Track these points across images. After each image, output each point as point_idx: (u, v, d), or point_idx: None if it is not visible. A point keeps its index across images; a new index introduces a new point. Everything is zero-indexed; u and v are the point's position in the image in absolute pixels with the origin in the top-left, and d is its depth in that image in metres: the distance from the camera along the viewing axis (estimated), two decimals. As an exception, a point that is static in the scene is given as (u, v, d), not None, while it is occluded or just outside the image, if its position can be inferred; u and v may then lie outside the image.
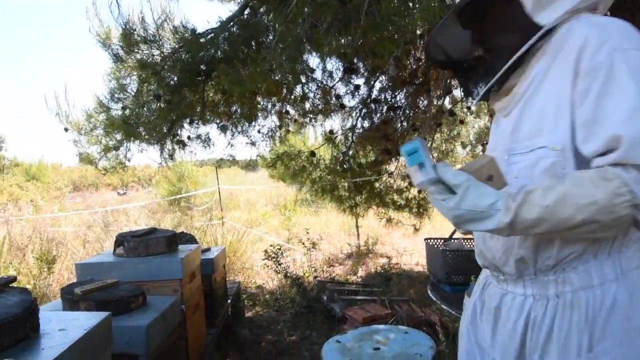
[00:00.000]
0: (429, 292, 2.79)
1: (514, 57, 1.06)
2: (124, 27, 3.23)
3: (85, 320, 1.46)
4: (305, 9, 2.53)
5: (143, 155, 9.79)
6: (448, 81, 4.39)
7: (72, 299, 1.99)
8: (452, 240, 2.89)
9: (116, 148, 3.65)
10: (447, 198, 0.96)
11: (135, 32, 3.46)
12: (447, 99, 4.81)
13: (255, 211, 10.24)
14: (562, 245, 1.04)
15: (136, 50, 3.53)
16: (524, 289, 1.12)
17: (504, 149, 1.12)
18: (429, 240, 3.00)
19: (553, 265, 1.06)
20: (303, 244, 5.64)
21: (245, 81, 2.75)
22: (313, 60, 4.18)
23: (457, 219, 0.97)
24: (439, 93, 4.63)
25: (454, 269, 2.69)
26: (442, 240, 2.94)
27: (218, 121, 4.27)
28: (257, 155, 5.12)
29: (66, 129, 3.55)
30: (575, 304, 1.03)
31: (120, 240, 2.62)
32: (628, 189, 0.88)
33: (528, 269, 1.09)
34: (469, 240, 2.94)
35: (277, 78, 3.14)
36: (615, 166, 0.92)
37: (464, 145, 7.48)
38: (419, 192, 4.99)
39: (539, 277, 1.08)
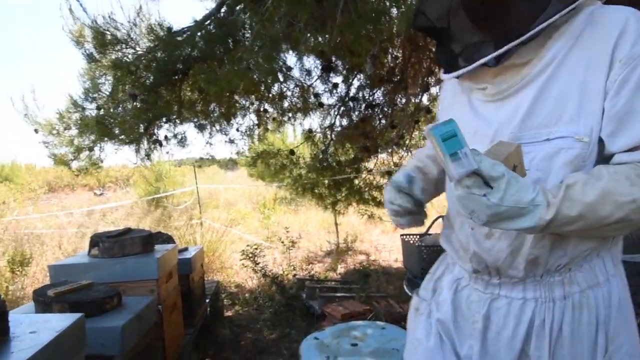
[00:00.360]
0: (405, 287, 2.82)
1: (544, 24, 0.90)
2: (94, 26, 3.18)
3: (57, 322, 1.44)
4: (282, 8, 2.54)
5: (119, 156, 9.66)
6: (425, 79, 4.44)
7: (44, 302, 1.96)
8: (428, 236, 2.92)
9: (90, 149, 3.59)
10: (488, 192, 0.83)
11: (108, 32, 3.42)
12: (425, 97, 4.86)
13: (235, 210, 10.19)
14: (577, 244, 0.98)
15: (110, 50, 3.49)
16: (523, 292, 1.03)
17: (509, 137, 0.97)
18: (404, 237, 3.03)
19: (563, 265, 0.99)
20: (282, 242, 5.64)
21: (221, 80, 2.74)
22: (291, 58, 4.19)
23: (495, 217, 0.84)
24: (416, 91, 4.68)
25: (430, 264, 2.71)
26: (418, 236, 2.97)
27: (195, 120, 4.24)
28: (237, 153, 5.10)
29: (36, 130, 3.49)
30: (585, 305, 0.99)
31: (95, 241, 2.59)
32: None
33: (538, 270, 1.00)
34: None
35: (255, 77, 3.14)
36: None
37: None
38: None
39: (544, 279, 1.00)
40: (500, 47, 0.93)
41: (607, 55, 0.90)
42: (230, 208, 10.50)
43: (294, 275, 5.18)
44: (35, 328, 1.39)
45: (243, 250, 4.95)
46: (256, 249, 4.91)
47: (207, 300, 3.80)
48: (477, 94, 1.07)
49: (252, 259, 4.76)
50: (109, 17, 3.41)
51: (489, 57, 0.95)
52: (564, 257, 0.98)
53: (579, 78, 0.92)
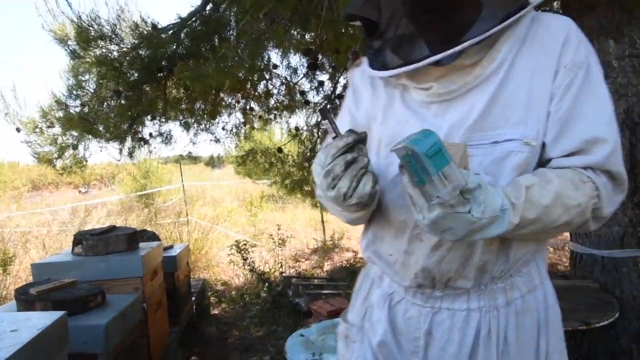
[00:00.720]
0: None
1: (506, 22, 0.87)
2: (77, 23, 3.15)
3: (38, 321, 1.44)
4: (264, 4, 2.53)
5: (104, 153, 9.56)
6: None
7: (26, 300, 1.95)
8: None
9: (74, 147, 3.56)
10: (470, 208, 0.76)
11: (92, 28, 3.39)
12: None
13: (222, 208, 10.16)
14: (518, 248, 0.95)
15: (94, 46, 3.45)
16: (467, 303, 0.98)
17: (461, 140, 0.91)
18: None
19: (506, 271, 0.96)
20: (272, 239, 5.64)
21: (205, 78, 2.73)
22: (277, 56, 4.18)
23: (473, 231, 0.79)
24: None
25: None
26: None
27: (181, 118, 4.23)
28: (224, 153, 5.09)
29: (18, 129, 3.45)
30: (527, 309, 0.98)
31: (79, 239, 2.58)
32: (597, 194, 0.88)
33: (485, 277, 0.96)
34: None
35: (240, 75, 3.13)
36: (586, 169, 0.89)
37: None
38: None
39: (489, 287, 0.97)
40: (451, 44, 0.86)
41: (553, 61, 0.90)
42: (217, 206, 10.46)
43: (281, 272, 5.19)
44: (16, 326, 1.39)
45: (232, 246, 4.95)
46: (245, 244, 4.91)
47: (193, 298, 3.79)
48: (417, 94, 0.97)
49: (240, 254, 4.76)
50: (93, 13, 3.38)
51: (444, 54, 0.87)
52: (507, 263, 0.95)
53: (526, 82, 0.90)
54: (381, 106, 1.03)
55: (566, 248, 4.62)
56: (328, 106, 4.90)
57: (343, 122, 1.12)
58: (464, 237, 0.79)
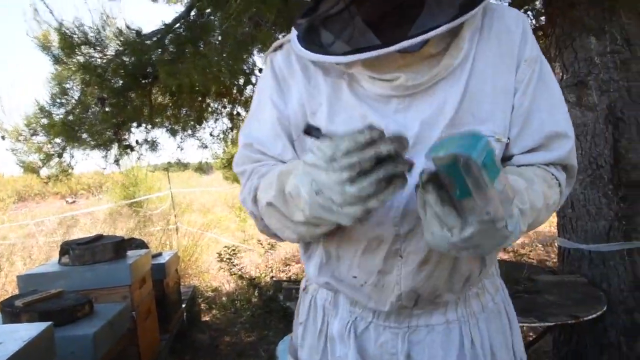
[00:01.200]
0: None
1: (480, 5, 0.76)
2: (61, 30, 3.13)
3: (24, 332, 1.42)
4: (248, 8, 2.53)
5: (91, 162, 9.47)
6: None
7: (12, 312, 1.93)
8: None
9: (59, 155, 3.52)
10: (506, 222, 0.64)
11: (75, 35, 3.36)
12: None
13: (211, 214, 10.11)
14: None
15: (77, 53, 3.43)
16: (445, 315, 0.90)
17: (436, 139, 0.80)
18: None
19: (482, 275, 0.91)
20: (261, 243, 5.62)
21: (182, 75, 2.70)
22: (262, 60, 4.18)
23: (498, 246, 0.68)
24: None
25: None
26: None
27: (167, 124, 4.20)
28: (213, 158, 5.06)
29: (3, 137, 3.40)
30: (499, 310, 0.95)
31: (65, 249, 2.55)
32: (560, 190, 0.86)
33: (467, 286, 0.89)
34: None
35: (225, 79, 3.13)
36: (548, 165, 0.86)
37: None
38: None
39: (466, 295, 0.91)
40: (425, 28, 0.74)
41: (512, 54, 0.84)
42: (207, 212, 10.41)
43: (271, 277, 5.17)
44: (1, 339, 1.36)
45: (219, 253, 4.92)
46: (233, 251, 4.89)
47: (183, 306, 3.76)
48: (374, 86, 0.83)
49: (229, 260, 4.74)
50: (77, 20, 3.35)
51: (417, 39, 0.73)
52: (485, 268, 0.90)
53: (489, 75, 0.83)
54: (324, 99, 0.86)
55: (554, 244, 4.66)
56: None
57: (264, 118, 0.93)
58: (488, 252, 0.69)
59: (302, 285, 1.06)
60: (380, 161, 0.62)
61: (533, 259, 5.40)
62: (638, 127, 2.38)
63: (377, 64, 0.81)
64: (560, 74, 2.48)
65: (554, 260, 4.80)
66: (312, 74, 0.89)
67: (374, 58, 0.76)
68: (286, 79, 0.91)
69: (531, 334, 3.28)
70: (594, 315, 2.02)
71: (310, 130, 0.72)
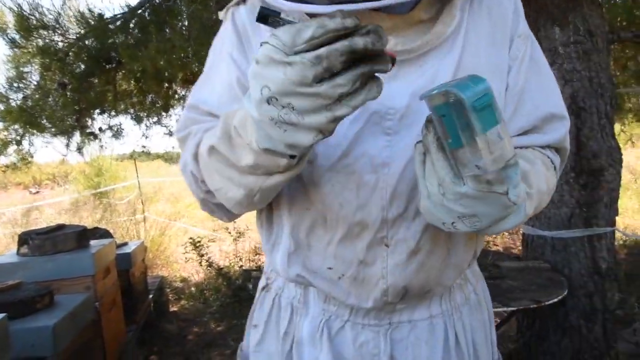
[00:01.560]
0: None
1: None
2: (17, 12, 3.00)
3: (-24, 324, 1.36)
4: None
5: (55, 151, 9.19)
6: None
7: (-34, 304, 1.85)
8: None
9: (17, 142, 3.40)
10: (507, 189, 0.58)
11: (33, 17, 3.23)
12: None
13: (180, 203, 9.96)
14: (481, 236, 0.84)
15: (36, 36, 3.30)
16: (429, 309, 0.82)
17: (424, 109, 0.67)
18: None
19: (472, 264, 0.85)
20: (229, 232, 5.57)
21: (144, 57, 2.64)
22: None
23: (499, 221, 0.62)
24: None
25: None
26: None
27: (132, 111, 4.10)
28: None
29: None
30: (480, 301, 0.89)
31: (24, 239, 2.46)
32: (557, 174, 0.82)
33: (458, 278, 0.83)
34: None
35: (189, 64, 3.06)
36: (544, 148, 0.81)
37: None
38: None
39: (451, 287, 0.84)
40: None
41: (506, 29, 0.78)
42: (176, 202, 10.26)
43: (240, 266, 5.14)
44: (-49, 331, 1.31)
45: (186, 243, 4.86)
46: (199, 241, 4.83)
47: (151, 296, 3.70)
48: None
49: (196, 249, 4.68)
50: (34, 2, 3.22)
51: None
52: (475, 257, 0.84)
53: (482, 49, 0.76)
54: None
55: (520, 231, 4.78)
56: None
57: (220, 78, 0.79)
58: (485, 228, 0.61)
59: (262, 283, 0.93)
60: (355, 59, 0.51)
61: (499, 246, 5.53)
62: (599, 117, 2.44)
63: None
64: (526, 63, 2.52)
65: (519, 247, 4.92)
66: None
67: (358, 14, 0.64)
68: (249, 37, 0.78)
69: (496, 319, 3.36)
70: (555, 300, 2.07)
71: (266, 16, 0.54)
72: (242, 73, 0.77)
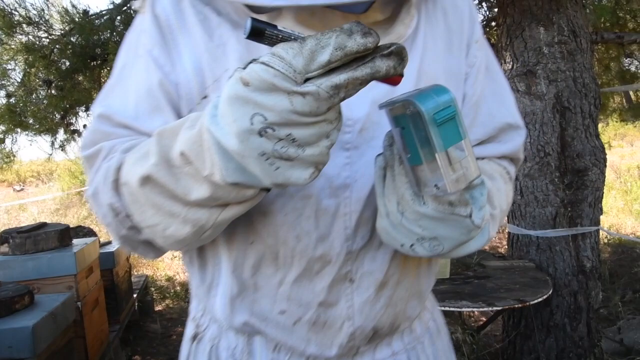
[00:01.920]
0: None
1: None
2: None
3: (-49, 325, 1.33)
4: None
5: (38, 148, 9.08)
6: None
7: (-58, 304, 1.81)
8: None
9: (1, 140, 3.34)
10: (471, 211, 0.54)
11: (16, 12, 3.18)
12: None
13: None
14: (437, 260, 0.78)
15: (19, 32, 3.25)
16: (390, 346, 0.74)
17: (385, 119, 0.58)
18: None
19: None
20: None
21: None
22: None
23: (460, 246, 0.58)
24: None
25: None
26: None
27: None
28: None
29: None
30: (438, 330, 0.83)
31: (5, 238, 2.42)
32: (513, 185, 0.78)
33: (420, 305, 0.77)
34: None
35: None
36: (501, 159, 0.77)
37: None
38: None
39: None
40: None
41: (462, 34, 0.72)
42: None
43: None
44: None
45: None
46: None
47: (135, 295, 3.66)
48: None
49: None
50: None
51: None
52: (433, 283, 0.79)
53: (439, 54, 0.69)
54: (233, 62, 0.61)
55: (506, 230, 4.81)
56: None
57: (136, 81, 0.64)
58: (446, 253, 0.56)
59: (189, 331, 0.79)
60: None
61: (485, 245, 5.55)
62: (583, 116, 2.46)
63: (315, 23, 0.61)
64: (511, 63, 2.53)
65: (505, 247, 4.95)
66: (215, 28, 0.62)
67: (310, 11, 0.59)
68: (174, 32, 0.63)
69: (483, 318, 3.38)
70: (540, 299, 2.08)
71: (261, 30, 0.44)
72: (164, 76, 0.63)
